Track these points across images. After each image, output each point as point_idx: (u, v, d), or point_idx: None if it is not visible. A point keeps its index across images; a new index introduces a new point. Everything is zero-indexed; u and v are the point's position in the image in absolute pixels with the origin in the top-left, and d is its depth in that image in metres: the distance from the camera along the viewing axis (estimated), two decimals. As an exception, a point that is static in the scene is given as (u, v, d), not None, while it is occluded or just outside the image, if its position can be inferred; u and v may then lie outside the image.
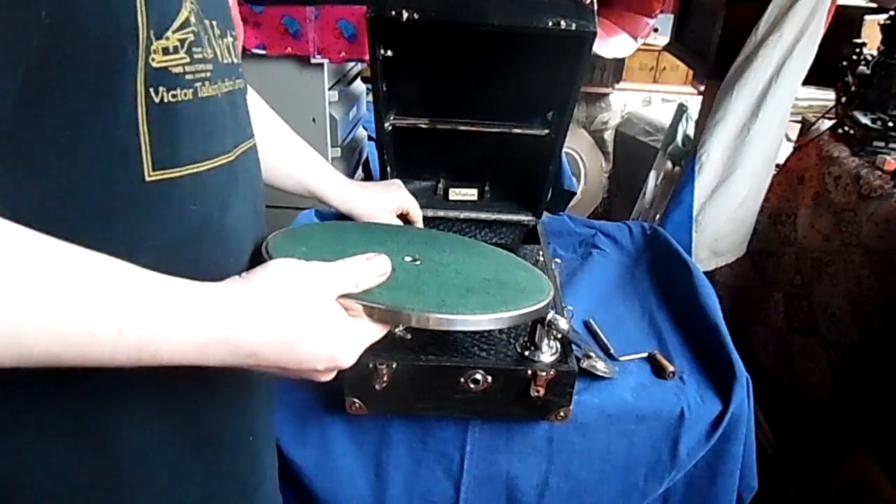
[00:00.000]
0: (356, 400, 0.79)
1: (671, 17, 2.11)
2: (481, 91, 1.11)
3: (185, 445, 0.50)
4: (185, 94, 0.44)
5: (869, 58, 1.52)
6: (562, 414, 0.81)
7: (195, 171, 0.46)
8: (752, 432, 0.90)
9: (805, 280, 1.53)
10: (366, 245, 0.69)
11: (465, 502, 0.87)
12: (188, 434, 0.51)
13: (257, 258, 0.58)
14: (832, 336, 1.42)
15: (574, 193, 1.39)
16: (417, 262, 0.69)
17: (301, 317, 0.46)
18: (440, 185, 1.24)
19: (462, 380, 0.78)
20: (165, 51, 0.42)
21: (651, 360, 0.93)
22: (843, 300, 1.39)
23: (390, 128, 1.10)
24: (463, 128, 1.11)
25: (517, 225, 1.19)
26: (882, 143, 1.45)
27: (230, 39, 0.53)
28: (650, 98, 3.08)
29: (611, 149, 2.90)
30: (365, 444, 0.85)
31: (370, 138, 1.98)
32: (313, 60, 1.57)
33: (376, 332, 0.55)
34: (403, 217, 0.98)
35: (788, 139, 1.72)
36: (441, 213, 1.17)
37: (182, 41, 0.43)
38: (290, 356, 0.46)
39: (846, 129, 1.54)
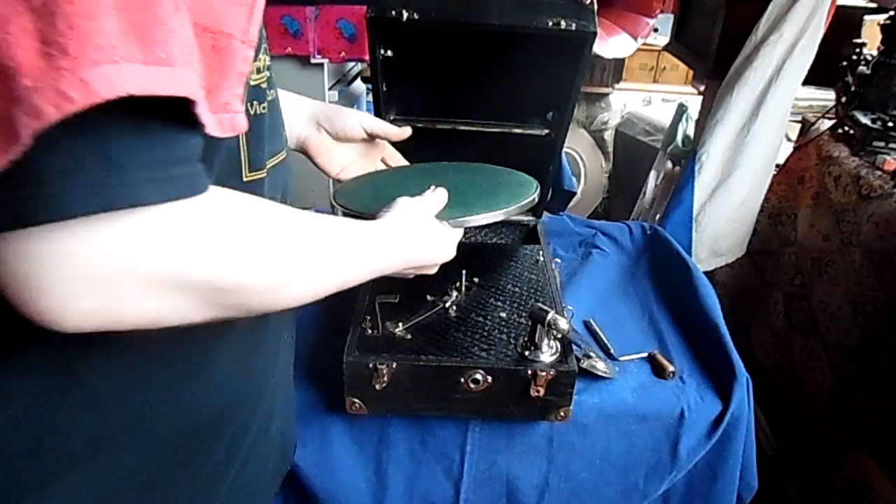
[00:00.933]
0: (356, 400, 0.79)
1: (671, 17, 2.11)
2: (481, 91, 1.11)
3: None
4: (263, 107, 0.51)
5: (869, 58, 1.52)
6: (562, 414, 0.81)
7: (268, 168, 0.53)
8: (752, 432, 0.90)
9: (805, 280, 1.53)
10: (402, 185, 0.81)
11: (465, 502, 0.87)
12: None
13: None
14: (832, 336, 1.42)
15: (574, 193, 1.39)
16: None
17: (426, 231, 0.67)
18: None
19: (462, 380, 0.78)
20: (259, 70, 0.50)
21: (651, 360, 0.93)
22: (843, 300, 1.38)
23: (390, 128, 1.10)
24: (463, 128, 1.11)
25: (517, 225, 1.19)
26: (882, 143, 1.45)
27: (265, 56, 0.57)
28: (650, 98, 3.07)
29: (611, 149, 2.90)
30: (365, 444, 0.85)
31: (370, 138, 1.97)
32: (313, 60, 1.57)
33: (458, 233, 0.72)
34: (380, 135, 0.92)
35: (788, 139, 1.72)
36: (441, 213, 1.17)
37: (263, 61, 0.51)
38: (426, 256, 0.67)
39: (846, 129, 1.54)
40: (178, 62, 0.34)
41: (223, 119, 0.39)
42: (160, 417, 0.49)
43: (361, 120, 0.87)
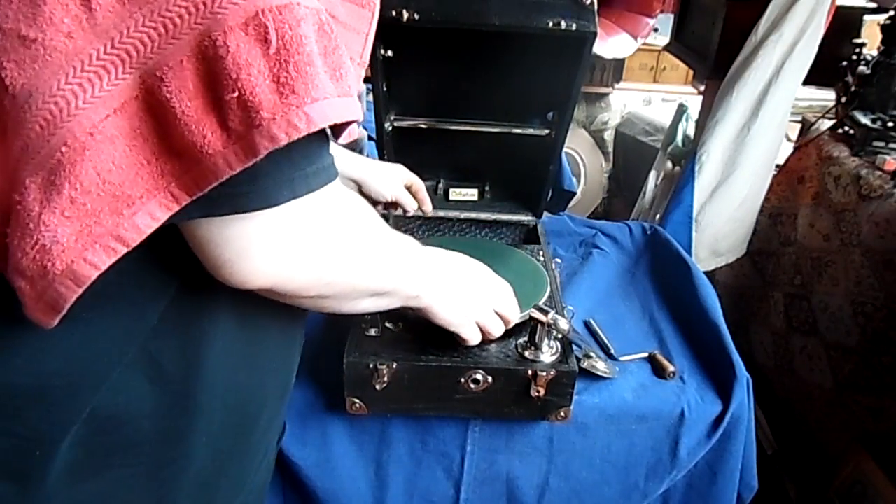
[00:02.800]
0: (356, 400, 0.79)
1: (671, 17, 2.11)
2: (481, 91, 1.11)
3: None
4: None
5: (869, 58, 1.52)
6: (562, 414, 0.81)
7: None
8: (752, 432, 0.90)
9: (805, 280, 1.53)
10: None
11: (466, 502, 0.87)
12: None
13: None
14: (832, 336, 1.42)
15: (574, 193, 1.39)
16: None
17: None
18: (440, 185, 1.24)
19: (462, 380, 0.78)
20: None
21: (651, 360, 0.93)
22: (843, 300, 1.38)
23: (390, 128, 1.10)
24: (463, 128, 1.11)
25: (517, 225, 1.19)
26: (882, 143, 1.45)
27: None
28: (650, 98, 3.07)
29: (611, 149, 2.90)
30: (365, 444, 0.85)
31: (370, 138, 1.98)
32: (313, 60, 1.57)
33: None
34: (410, 191, 1.02)
35: (788, 139, 1.72)
36: (441, 213, 1.17)
37: None
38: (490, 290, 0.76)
39: (846, 129, 1.54)
40: (353, 91, 0.43)
41: (350, 104, 0.45)
42: (221, 399, 0.54)
43: (395, 180, 0.98)
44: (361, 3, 0.50)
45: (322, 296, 0.52)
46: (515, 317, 0.76)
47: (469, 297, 0.72)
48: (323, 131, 0.42)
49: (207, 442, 0.54)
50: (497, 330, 0.75)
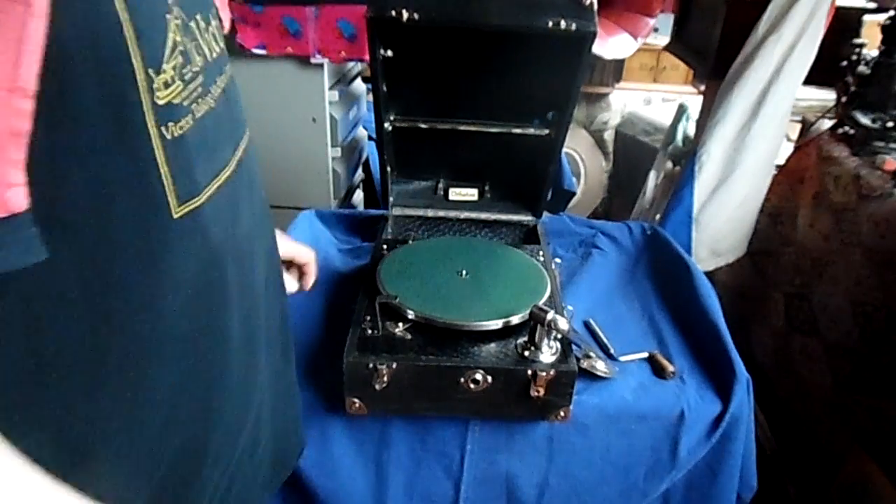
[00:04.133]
0: (356, 400, 0.79)
1: (671, 17, 2.11)
2: (481, 91, 1.11)
3: None
4: (188, 122, 0.43)
5: (869, 58, 1.52)
6: (562, 414, 0.81)
7: (209, 193, 0.46)
8: (752, 432, 0.90)
9: (805, 280, 1.53)
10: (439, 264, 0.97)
11: (466, 502, 0.87)
12: None
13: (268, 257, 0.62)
14: (832, 336, 1.42)
15: (574, 193, 1.39)
16: (466, 276, 0.94)
17: None
18: (440, 185, 1.24)
19: (462, 380, 0.78)
20: (166, 84, 0.40)
21: (651, 360, 0.93)
22: (843, 300, 1.38)
23: (390, 128, 1.10)
24: (463, 128, 1.11)
25: (517, 225, 1.19)
26: (882, 143, 1.45)
27: (214, 24, 0.51)
28: (650, 98, 3.07)
29: (611, 149, 2.90)
30: (365, 444, 0.85)
31: (370, 138, 1.98)
32: (313, 60, 1.57)
33: None
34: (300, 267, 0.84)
35: (788, 139, 1.72)
36: (441, 213, 1.17)
37: (175, 67, 0.42)
38: None
39: (846, 129, 1.54)
40: None
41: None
42: (156, 430, 0.46)
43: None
44: None
45: None
46: None
47: None
48: None
49: None
50: None
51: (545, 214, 1.23)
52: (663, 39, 2.38)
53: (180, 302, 0.44)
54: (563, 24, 0.89)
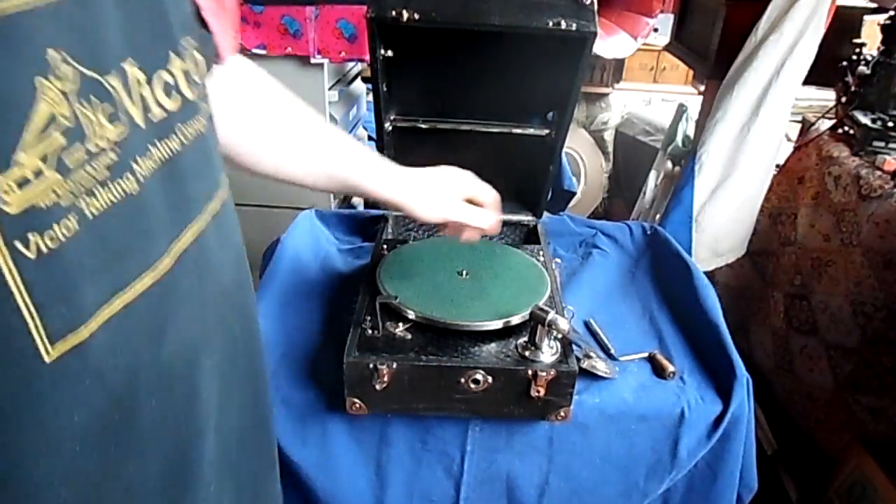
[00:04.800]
0: (356, 400, 0.79)
1: (671, 17, 2.11)
2: (481, 91, 1.11)
3: None
4: (68, 227, 0.31)
5: (869, 58, 1.52)
6: (562, 414, 0.81)
7: (110, 314, 0.34)
8: (752, 432, 0.90)
9: (805, 280, 1.53)
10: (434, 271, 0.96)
11: (466, 502, 0.87)
12: None
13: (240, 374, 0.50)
14: (832, 336, 1.42)
15: (574, 193, 1.39)
16: (466, 276, 0.93)
17: None
18: (440, 185, 1.24)
19: (462, 380, 0.78)
20: (24, 181, 0.28)
21: (651, 360, 0.93)
22: (843, 300, 1.38)
23: (390, 128, 1.10)
24: (463, 128, 1.11)
25: (517, 225, 1.19)
26: (882, 143, 1.45)
27: (179, 70, 0.40)
28: (650, 98, 3.07)
29: (611, 149, 2.90)
30: (365, 444, 0.85)
31: (370, 138, 1.98)
32: (313, 60, 1.57)
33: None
34: (475, 202, 0.82)
35: (788, 139, 1.71)
36: (441, 213, 1.17)
37: (45, 156, 0.30)
38: None
39: (846, 129, 1.54)
40: None
41: None
42: None
43: (443, 199, 0.77)
44: None
45: None
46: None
47: None
48: None
49: None
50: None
51: (545, 214, 1.23)
52: (663, 39, 2.38)
53: (62, 465, 0.32)
54: (563, 24, 0.89)
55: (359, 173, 0.74)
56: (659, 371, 0.91)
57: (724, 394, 0.87)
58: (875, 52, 1.51)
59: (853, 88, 1.54)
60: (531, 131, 1.10)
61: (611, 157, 2.91)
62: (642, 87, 3.20)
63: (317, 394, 0.85)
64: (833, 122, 1.60)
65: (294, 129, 0.71)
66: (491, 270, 0.95)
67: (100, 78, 0.33)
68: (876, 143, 1.45)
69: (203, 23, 0.48)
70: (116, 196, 0.34)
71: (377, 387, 0.76)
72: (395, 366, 0.77)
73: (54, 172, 0.30)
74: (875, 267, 1.32)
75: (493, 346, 0.82)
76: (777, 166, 1.65)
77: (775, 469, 1.52)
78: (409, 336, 0.83)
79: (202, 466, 0.44)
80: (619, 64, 2.79)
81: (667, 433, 0.86)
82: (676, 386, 0.89)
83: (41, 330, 0.30)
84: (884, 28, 1.49)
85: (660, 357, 0.92)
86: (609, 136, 2.89)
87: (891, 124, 1.44)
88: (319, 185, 0.75)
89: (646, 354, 0.94)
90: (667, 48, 2.00)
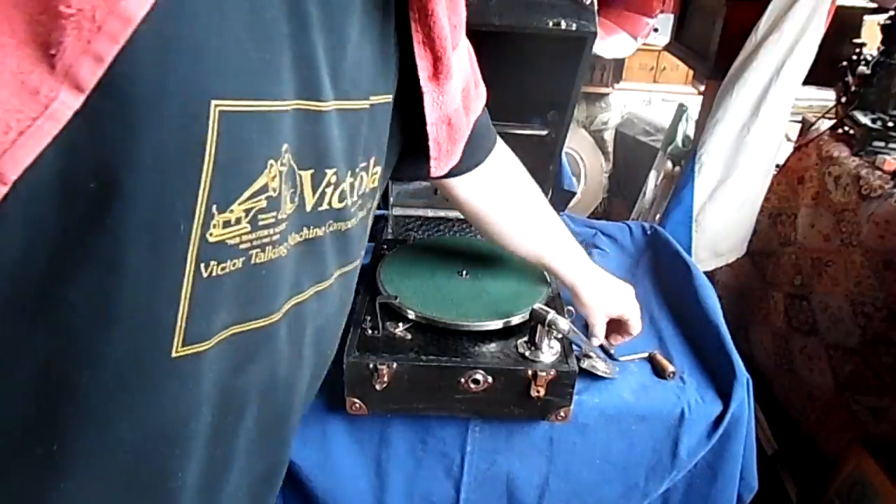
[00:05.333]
0: (356, 400, 0.79)
1: (671, 17, 2.11)
2: (481, 91, 1.10)
3: None
4: (235, 265, 0.40)
5: (869, 58, 1.52)
6: (562, 414, 0.81)
7: (221, 338, 0.42)
8: (752, 432, 0.90)
9: (805, 280, 1.53)
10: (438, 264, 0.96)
11: (466, 502, 0.87)
12: None
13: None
14: (832, 336, 1.42)
15: (574, 193, 1.39)
16: (466, 276, 0.94)
17: None
18: (440, 185, 1.24)
19: (462, 380, 0.78)
20: (227, 224, 0.38)
21: (651, 360, 0.93)
22: (843, 300, 1.38)
23: (390, 128, 1.10)
24: (463, 128, 1.11)
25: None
26: (882, 143, 1.45)
27: (365, 178, 0.49)
28: (650, 98, 3.07)
29: (611, 149, 2.90)
30: (365, 444, 0.85)
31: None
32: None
33: None
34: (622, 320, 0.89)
35: (788, 139, 1.72)
36: (441, 213, 1.17)
37: (248, 210, 0.39)
38: None
39: (846, 129, 1.54)
40: None
41: None
42: None
43: (611, 303, 0.86)
44: (24, 83, 0.29)
45: None
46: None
47: None
48: None
49: None
50: None
51: (545, 214, 1.22)
52: (663, 39, 2.38)
53: (130, 441, 0.40)
54: (563, 24, 0.88)
55: (556, 257, 0.85)
56: (659, 371, 0.91)
57: (724, 394, 0.87)
58: (875, 52, 1.51)
59: (853, 88, 1.54)
60: (531, 131, 1.10)
61: (611, 157, 2.91)
62: (642, 87, 3.20)
63: (317, 394, 0.84)
64: (833, 122, 1.60)
65: (526, 216, 0.83)
66: (491, 270, 0.95)
67: (302, 169, 0.43)
68: (876, 143, 1.45)
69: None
70: (272, 256, 0.43)
71: (377, 387, 0.76)
72: (395, 366, 0.77)
73: (248, 225, 0.40)
74: (875, 267, 1.32)
75: (493, 346, 0.82)
76: (777, 166, 1.65)
77: (775, 469, 1.51)
78: (409, 336, 0.82)
79: (227, 487, 0.50)
80: (619, 64, 2.79)
81: (667, 433, 0.86)
82: (676, 386, 0.89)
83: (182, 332, 0.38)
84: (884, 28, 1.49)
85: (660, 357, 0.92)
86: (609, 136, 2.89)
87: (891, 124, 1.44)
88: (519, 253, 0.86)
89: (646, 354, 0.94)
90: (667, 48, 2.00)
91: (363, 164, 0.51)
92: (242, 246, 0.40)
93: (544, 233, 0.85)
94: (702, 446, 0.87)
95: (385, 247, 1.02)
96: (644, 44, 2.56)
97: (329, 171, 0.46)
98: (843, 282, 1.39)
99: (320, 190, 0.46)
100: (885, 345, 1.28)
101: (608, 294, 0.87)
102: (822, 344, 1.44)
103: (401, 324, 0.84)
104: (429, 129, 0.56)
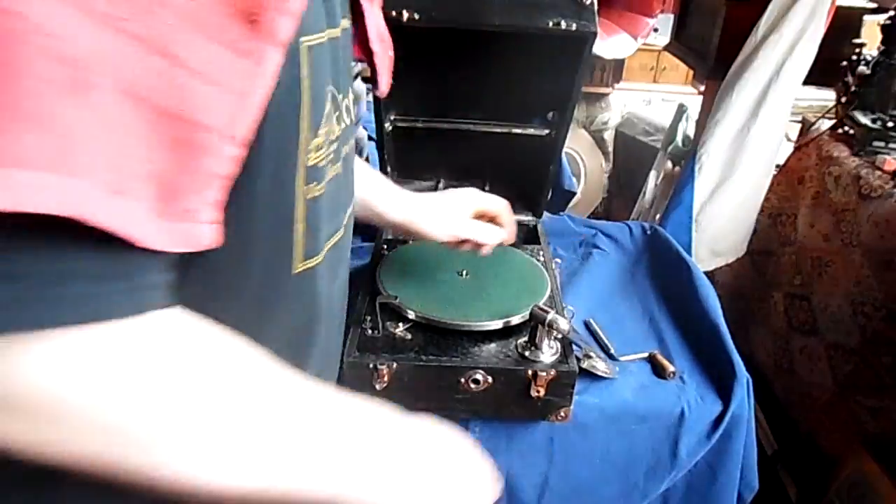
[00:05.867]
0: (356, 400, 0.79)
1: (671, 17, 2.11)
2: (481, 91, 1.11)
3: None
4: (322, 185, 0.45)
5: (869, 58, 1.52)
6: (562, 414, 0.81)
7: (324, 253, 0.48)
8: (752, 432, 0.90)
9: (805, 280, 1.53)
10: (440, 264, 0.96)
11: (466, 502, 0.87)
12: None
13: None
14: (832, 336, 1.42)
15: (574, 193, 1.39)
16: (467, 276, 0.94)
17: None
18: (440, 185, 1.24)
19: (462, 380, 0.78)
20: (318, 147, 0.43)
21: (651, 360, 0.93)
22: (843, 300, 1.38)
23: (390, 128, 1.10)
24: (463, 128, 1.11)
25: (517, 225, 1.19)
26: (882, 143, 1.45)
27: (351, 97, 0.53)
28: (650, 98, 3.07)
29: (611, 149, 2.90)
30: (365, 444, 0.85)
31: (370, 138, 1.97)
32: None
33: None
34: (493, 220, 0.85)
35: (788, 139, 1.71)
36: (441, 213, 1.17)
37: (326, 133, 0.44)
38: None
39: (846, 129, 1.54)
40: (56, 164, 0.26)
41: (176, 230, 0.31)
42: None
43: (452, 216, 0.80)
44: (239, 50, 0.32)
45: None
46: None
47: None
48: (62, 237, 0.28)
49: None
50: None
51: (545, 214, 1.23)
52: (663, 39, 2.38)
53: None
54: (563, 24, 0.88)
55: (372, 197, 0.77)
56: (659, 371, 0.91)
57: (724, 394, 0.87)
58: (875, 52, 1.51)
59: (853, 88, 1.54)
60: (531, 131, 1.10)
61: (611, 157, 2.91)
62: (642, 87, 3.20)
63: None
64: (833, 122, 1.60)
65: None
66: (491, 270, 0.95)
67: (336, 93, 0.47)
68: (876, 143, 1.45)
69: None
70: (335, 172, 0.49)
71: (377, 387, 0.76)
72: (395, 366, 0.77)
73: (326, 146, 0.44)
74: (875, 267, 1.32)
75: (493, 346, 0.82)
76: (777, 166, 1.65)
77: (775, 469, 1.51)
78: (409, 336, 0.83)
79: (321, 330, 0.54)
80: (619, 64, 2.79)
81: (667, 433, 0.86)
82: (676, 386, 0.89)
83: (300, 250, 0.44)
84: (884, 28, 1.48)
85: (660, 357, 0.92)
86: (609, 136, 2.89)
87: (891, 124, 1.44)
88: None
89: (646, 354, 0.94)
90: (667, 48, 2.00)
91: (348, 87, 0.55)
92: (324, 164, 0.45)
93: (363, 177, 0.77)
94: (702, 446, 0.87)
95: (385, 247, 1.02)
96: (644, 44, 2.56)
97: (344, 92, 0.51)
98: (843, 282, 1.39)
99: (343, 109, 0.51)
100: (884, 345, 1.28)
101: (446, 208, 0.82)
102: (822, 344, 1.44)
103: (401, 324, 0.84)
104: (372, 45, 0.59)
